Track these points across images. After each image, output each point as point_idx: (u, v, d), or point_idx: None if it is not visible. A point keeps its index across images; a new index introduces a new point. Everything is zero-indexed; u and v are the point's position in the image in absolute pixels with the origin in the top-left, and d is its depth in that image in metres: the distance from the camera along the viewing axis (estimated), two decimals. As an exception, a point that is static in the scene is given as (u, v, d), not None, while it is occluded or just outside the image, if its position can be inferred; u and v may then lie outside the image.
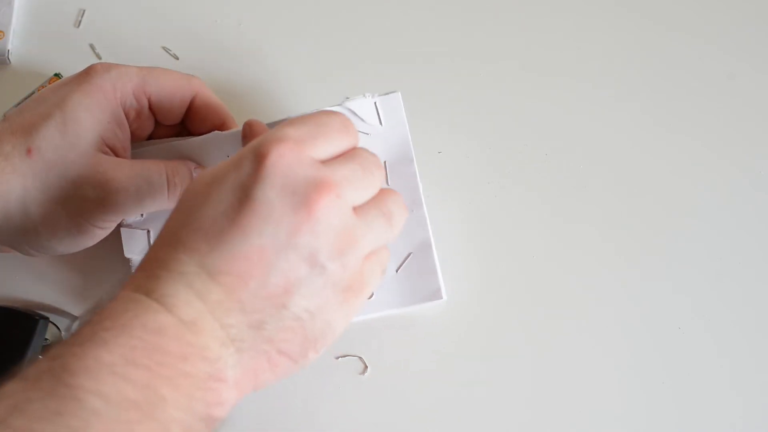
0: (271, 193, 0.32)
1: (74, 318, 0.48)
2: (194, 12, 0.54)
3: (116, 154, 0.42)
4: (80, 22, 0.54)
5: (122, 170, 0.40)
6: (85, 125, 0.40)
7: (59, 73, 0.52)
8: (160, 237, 0.34)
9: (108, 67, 0.41)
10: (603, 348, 0.47)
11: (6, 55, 0.53)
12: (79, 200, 0.40)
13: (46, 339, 0.46)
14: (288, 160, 0.33)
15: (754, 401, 0.47)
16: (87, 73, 0.41)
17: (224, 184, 0.33)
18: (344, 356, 0.47)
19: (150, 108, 0.44)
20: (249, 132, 0.41)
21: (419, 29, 0.54)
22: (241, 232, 0.32)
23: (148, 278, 0.32)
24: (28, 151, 0.39)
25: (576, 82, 0.52)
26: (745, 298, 0.48)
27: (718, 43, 0.52)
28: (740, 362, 0.47)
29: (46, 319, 0.46)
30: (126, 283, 0.33)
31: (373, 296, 0.45)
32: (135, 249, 0.46)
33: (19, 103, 0.51)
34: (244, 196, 0.32)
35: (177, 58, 0.53)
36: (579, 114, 0.51)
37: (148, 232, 0.46)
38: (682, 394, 0.47)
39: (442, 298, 0.45)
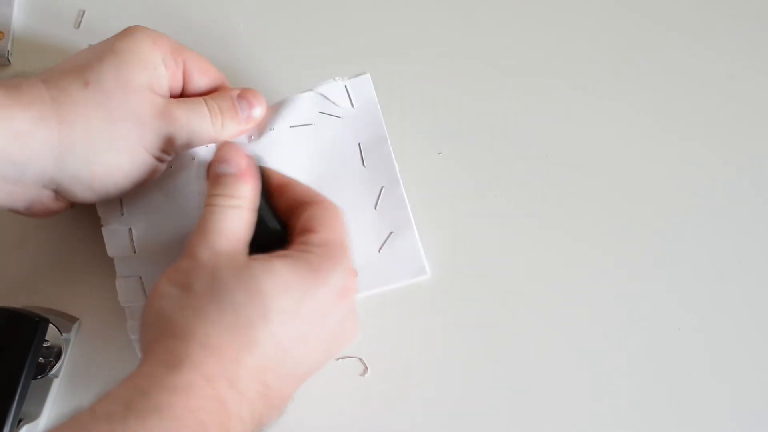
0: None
1: (74, 319, 0.48)
2: (194, 12, 0.54)
3: (162, 92, 0.43)
4: (80, 23, 0.54)
5: (173, 104, 0.43)
6: (136, 67, 0.42)
7: (59, 74, 0.52)
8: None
9: (147, 28, 0.44)
10: (603, 348, 0.47)
11: (6, 55, 0.53)
12: (141, 131, 0.41)
13: (46, 340, 0.46)
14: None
15: (755, 401, 0.47)
16: (128, 30, 0.44)
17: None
18: (344, 357, 0.47)
19: (183, 75, 0.45)
20: (222, 154, 0.40)
21: (421, 30, 0.54)
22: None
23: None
24: (86, 84, 0.40)
25: (575, 82, 0.52)
26: (744, 299, 0.48)
27: (717, 43, 0.52)
28: (740, 362, 0.47)
29: (46, 320, 0.45)
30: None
31: (358, 277, 0.45)
32: (117, 247, 0.46)
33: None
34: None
35: (177, 59, 0.53)
36: (579, 114, 0.51)
37: (130, 230, 0.46)
38: (682, 394, 0.47)
39: (426, 274, 0.46)
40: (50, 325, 0.46)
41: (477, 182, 0.50)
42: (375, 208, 0.46)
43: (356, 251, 0.44)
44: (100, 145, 0.40)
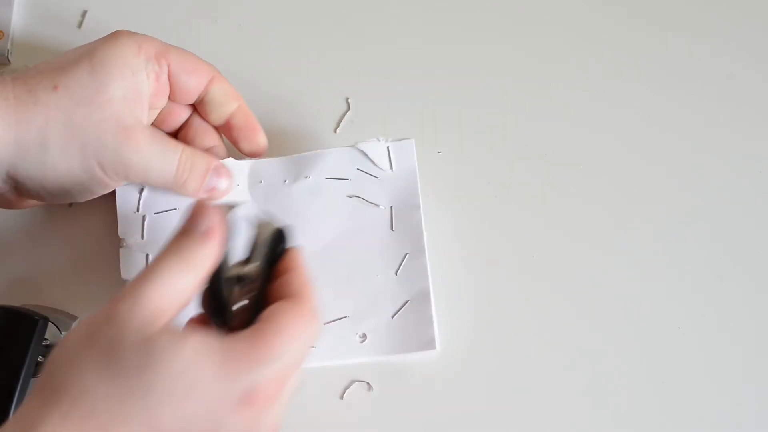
0: None
1: (74, 318, 0.48)
2: (194, 12, 0.54)
3: (138, 110, 0.43)
4: (82, 23, 0.54)
5: (143, 132, 0.42)
6: (113, 73, 0.41)
7: (59, 73, 0.52)
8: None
9: (132, 32, 0.43)
10: (603, 348, 0.47)
11: (6, 55, 0.53)
12: (98, 145, 0.41)
13: (46, 339, 0.46)
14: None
15: (755, 401, 0.46)
16: (113, 35, 0.43)
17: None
18: (350, 385, 0.47)
19: (169, 78, 0.44)
20: (196, 211, 0.37)
21: (421, 32, 0.54)
22: None
23: None
24: (55, 87, 0.40)
25: (575, 83, 0.52)
26: (745, 298, 0.48)
27: (717, 43, 0.52)
28: (740, 362, 0.47)
29: (46, 319, 0.45)
30: None
31: (367, 340, 0.45)
32: (133, 271, 0.46)
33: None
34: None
35: (177, 58, 0.53)
36: (578, 114, 0.51)
37: (147, 255, 0.46)
38: (682, 394, 0.46)
39: (435, 348, 0.45)
40: (50, 323, 0.46)
41: (476, 182, 0.50)
42: (396, 274, 0.46)
43: (370, 314, 0.45)
44: (53, 150, 0.40)
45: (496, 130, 0.51)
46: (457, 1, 0.54)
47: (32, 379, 0.44)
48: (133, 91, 0.42)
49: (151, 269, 0.34)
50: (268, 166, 0.48)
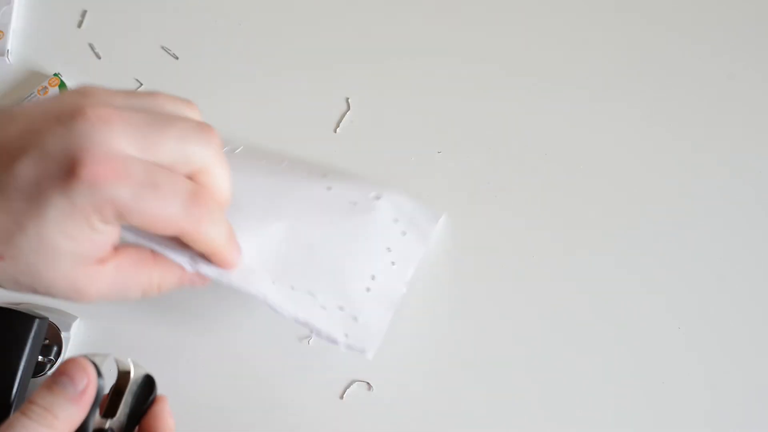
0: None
1: (74, 318, 0.48)
2: (194, 12, 0.54)
3: (95, 257, 0.36)
4: (81, 22, 0.54)
5: (99, 284, 0.36)
6: (65, 248, 0.34)
7: (59, 73, 0.52)
8: None
9: (95, 179, 0.32)
10: (603, 348, 0.47)
11: (6, 54, 0.53)
12: (50, 297, 0.36)
13: (46, 339, 0.46)
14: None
15: (754, 401, 0.46)
16: (69, 178, 0.32)
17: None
18: (350, 385, 0.47)
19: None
20: (68, 368, 0.35)
21: (421, 32, 0.54)
22: None
23: None
24: (1, 257, 0.34)
25: (575, 83, 0.52)
26: (745, 298, 0.48)
27: (717, 43, 0.52)
28: (740, 362, 0.47)
29: (46, 318, 0.45)
30: None
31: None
32: None
33: (18, 104, 0.51)
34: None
35: (177, 58, 0.53)
36: (578, 114, 0.51)
37: None
38: (682, 394, 0.46)
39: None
40: (50, 323, 0.46)
41: (476, 181, 0.50)
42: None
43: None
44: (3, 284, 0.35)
45: (496, 129, 0.51)
46: (458, 1, 0.54)
47: (32, 379, 0.44)
48: (88, 247, 0.35)
49: (14, 421, 0.33)
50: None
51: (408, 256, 0.47)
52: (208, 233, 0.35)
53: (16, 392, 0.42)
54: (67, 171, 0.32)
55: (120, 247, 0.36)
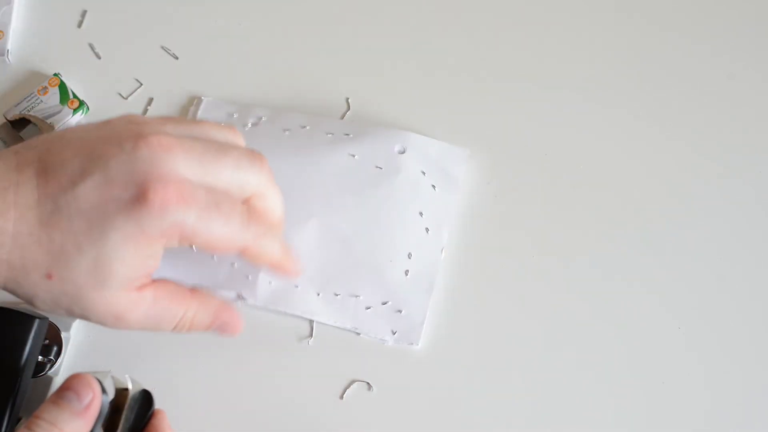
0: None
1: (73, 318, 0.48)
2: (194, 12, 0.54)
3: (139, 282, 0.37)
4: (82, 22, 0.54)
5: (137, 311, 0.37)
6: (118, 272, 0.35)
7: (59, 73, 0.52)
8: None
9: (164, 203, 0.33)
10: (603, 348, 0.47)
11: (6, 55, 0.53)
12: (85, 320, 0.37)
13: (46, 339, 0.46)
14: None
15: (754, 401, 0.46)
16: (138, 203, 0.33)
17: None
18: (350, 385, 0.47)
19: None
20: (73, 383, 0.36)
21: (421, 32, 0.54)
22: None
23: None
24: (48, 276, 0.35)
25: (575, 83, 0.52)
26: (745, 298, 0.48)
27: (717, 43, 0.52)
28: (740, 362, 0.47)
29: (46, 318, 0.45)
30: None
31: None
32: None
33: (18, 104, 0.51)
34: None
35: (177, 58, 0.53)
36: (578, 114, 0.51)
37: None
38: (682, 394, 0.46)
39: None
40: (50, 323, 0.46)
41: (477, 181, 0.50)
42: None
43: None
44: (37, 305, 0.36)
45: (496, 129, 0.51)
46: (457, 2, 0.54)
47: (32, 379, 0.44)
48: (142, 271, 0.36)
49: None
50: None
51: (440, 216, 0.49)
52: (269, 246, 0.37)
53: (16, 392, 0.42)
54: (135, 196, 0.33)
55: (158, 279, 0.38)
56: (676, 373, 0.47)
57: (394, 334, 0.47)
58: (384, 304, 0.47)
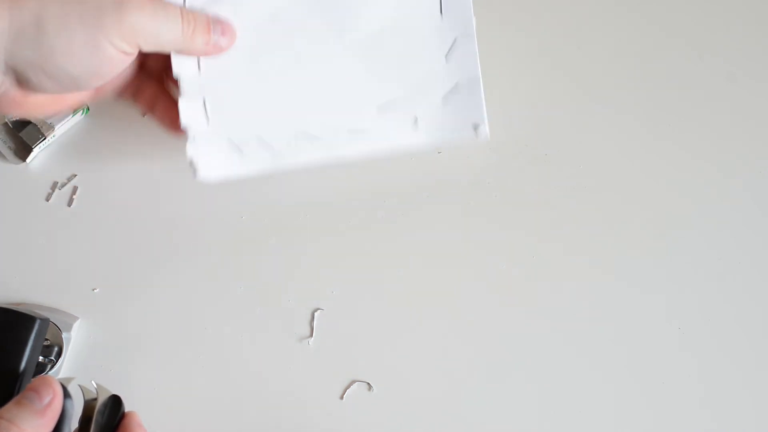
0: None
1: (74, 318, 0.48)
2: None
3: None
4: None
5: None
6: None
7: (59, 73, 0.52)
8: None
9: None
10: (603, 347, 0.47)
11: (6, 55, 0.53)
12: (98, 14, 0.40)
13: (47, 339, 0.46)
14: None
15: (754, 401, 0.46)
16: None
17: None
18: (350, 385, 0.47)
19: None
20: (36, 384, 0.38)
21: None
22: None
23: None
24: None
25: (575, 83, 0.52)
26: (745, 298, 0.48)
27: (717, 44, 0.52)
28: (740, 362, 0.47)
29: (47, 319, 0.45)
30: None
31: (419, 123, 0.45)
32: (184, 67, 0.45)
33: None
34: None
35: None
36: (579, 114, 0.51)
37: (204, 101, 0.45)
38: (682, 394, 0.46)
39: (485, 131, 0.45)
40: (51, 323, 0.46)
41: (478, 181, 0.50)
42: (445, 58, 0.46)
43: (421, 98, 0.45)
44: (50, 27, 0.39)
45: (495, 129, 0.51)
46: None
47: (32, 379, 0.44)
48: None
49: None
50: None
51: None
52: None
53: (18, 393, 0.42)
54: None
55: None
56: (676, 373, 0.47)
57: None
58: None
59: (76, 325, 0.48)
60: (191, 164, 0.44)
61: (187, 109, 0.44)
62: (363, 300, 0.48)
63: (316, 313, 0.48)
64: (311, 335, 0.48)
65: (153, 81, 0.47)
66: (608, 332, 0.48)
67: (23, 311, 0.45)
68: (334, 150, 0.45)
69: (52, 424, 0.37)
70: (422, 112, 0.45)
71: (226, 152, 0.45)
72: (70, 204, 0.50)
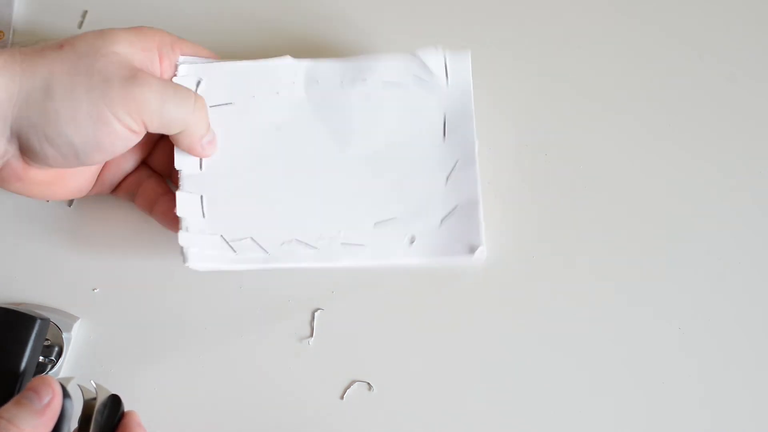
0: None
1: (74, 318, 0.48)
2: (194, 12, 0.54)
3: (146, 62, 0.44)
4: (82, 23, 0.54)
5: (151, 74, 0.43)
6: (120, 41, 0.42)
7: (60, 74, 0.52)
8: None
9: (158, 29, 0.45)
10: (603, 348, 0.47)
11: (6, 55, 0.53)
12: (104, 85, 0.40)
13: (47, 339, 0.47)
14: None
15: (754, 401, 0.46)
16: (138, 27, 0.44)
17: None
18: (350, 385, 0.47)
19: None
20: (35, 384, 0.38)
21: (420, 27, 0.54)
22: None
23: None
24: (61, 47, 0.41)
25: (576, 83, 0.52)
26: (745, 298, 0.48)
27: (717, 44, 0.52)
28: (740, 362, 0.47)
29: (47, 319, 0.46)
30: None
31: (415, 242, 0.45)
32: (186, 164, 0.46)
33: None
34: None
35: (177, 59, 0.53)
36: (579, 114, 0.51)
37: (201, 197, 0.46)
38: (682, 394, 0.46)
39: (482, 254, 0.45)
40: (51, 323, 0.46)
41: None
42: (446, 180, 0.46)
43: (419, 218, 0.45)
44: (57, 93, 0.40)
45: (495, 130, 0.51)
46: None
47: (32, 379, 0.44)
48: (141, 48, 0.43)
49: None
50: (325, 66, 0.48)
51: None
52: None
53: (18, 393, 0.42)
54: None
55: None
56: (676, 374, 0.47)
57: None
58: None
59: (76, 325, 0.48)
60: (182, 252, 0.44)
61: (184, 201, 0.45)
62: (363, 300, 0.48)
63: (316, 313, 0.48)
64: (311, 335, 0.48)
65: (154, 179, 0.48)
66: (608, 332, 0.48)
67: (24, 311, 0.45)
68: (327, 260, 0.45)
69: (51, 424, 0.37)
70: (419, 232, 0.46)
71: (219, 248, 0.45)
72: (70, 204, 0.50)
